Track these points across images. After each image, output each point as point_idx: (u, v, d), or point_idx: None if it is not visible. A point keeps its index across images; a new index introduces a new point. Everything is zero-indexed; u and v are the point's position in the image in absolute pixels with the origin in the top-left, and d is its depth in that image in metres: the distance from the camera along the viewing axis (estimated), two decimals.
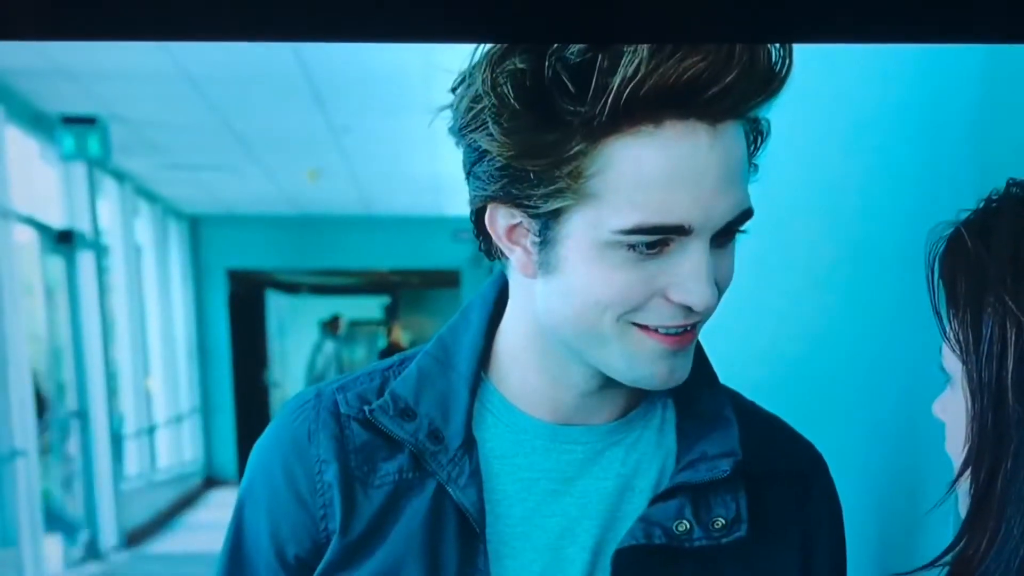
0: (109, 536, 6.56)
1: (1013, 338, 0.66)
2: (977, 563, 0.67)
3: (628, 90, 0.74)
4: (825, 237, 1.38)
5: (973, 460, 0.69)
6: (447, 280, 10.38)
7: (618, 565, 0.87)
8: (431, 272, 10.44)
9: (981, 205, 0.72)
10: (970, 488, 0.70)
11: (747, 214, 0.82)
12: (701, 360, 0.92)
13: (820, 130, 1.36)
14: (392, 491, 0.89)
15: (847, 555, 0.98)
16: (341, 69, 4.77)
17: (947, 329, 0.71)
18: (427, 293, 12.61)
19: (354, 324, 12.14)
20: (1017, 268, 0.67)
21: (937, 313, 0.71)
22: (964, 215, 0.72)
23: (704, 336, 0.88)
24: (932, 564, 0.72)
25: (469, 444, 0.88)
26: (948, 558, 0.71)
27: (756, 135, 0.84)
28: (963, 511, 0.72)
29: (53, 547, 5.89)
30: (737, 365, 1.04)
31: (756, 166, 0.85)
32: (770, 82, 0.78)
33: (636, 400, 0.92)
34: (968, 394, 0.69)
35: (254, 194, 8.21)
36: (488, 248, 0.87)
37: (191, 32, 0.47)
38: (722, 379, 0.94)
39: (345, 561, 0.89)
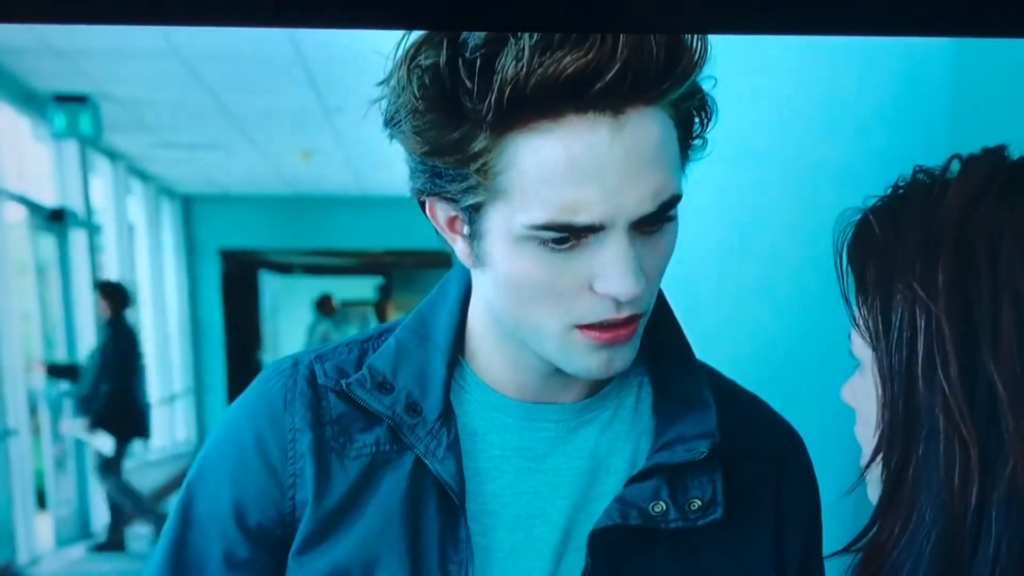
0: (101, 515, 6.57)
1: (923, 325, 0.65)
2: (890, 549, 0.67)
3: (510, 88, 0.73)
4: (801, 220, 1.39)
5: (885, 447, 0.68)
6: (440, 261, 10.38)
7: (593, 545, 0.86)
8: (424, 253, 10.43)
9: (888, 192, 0.71)
10: (882, 474, 0.69)
11: (671, 202, 0.79)
12: (679, 340, 0.92)
13: (797, 115, 1.36)
14: (369, 463, 0.89)
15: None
16: (333, 49, 4.75)
17: (856, 315, 0.70)
18: (420, 274, 12.60)
19: (346, 305, 12.14)
20: (925, 254, 0.66)
21: (846, 299, 0.71)
22: (871, 201, 0.71)
23: (680, 315, 0.87)
24: (845, 550, 0.72)
25: (447, 416, 0.88)
26: (861, 544, 0.70)
27: (697, 113, 0.81)
28: (873, 497, 0.71)
29: (45, 526, 5.91)
30: (714, 345, 1.05)
31: (705, 140, 0.83)
32: (672, 67, 0.76)
33: (607, 379, 0.91)
34: (879, 381, 0.69)
35: (247, 174, 8.19)
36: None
37: (186, 17, 0.47)
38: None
39: (321, 534, 0.88)
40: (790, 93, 1.32)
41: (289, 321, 11.59)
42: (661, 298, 0.91)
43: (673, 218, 0.81)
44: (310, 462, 0.89)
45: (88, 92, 5.60)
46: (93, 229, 6.70)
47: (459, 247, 0.85)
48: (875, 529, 0.69)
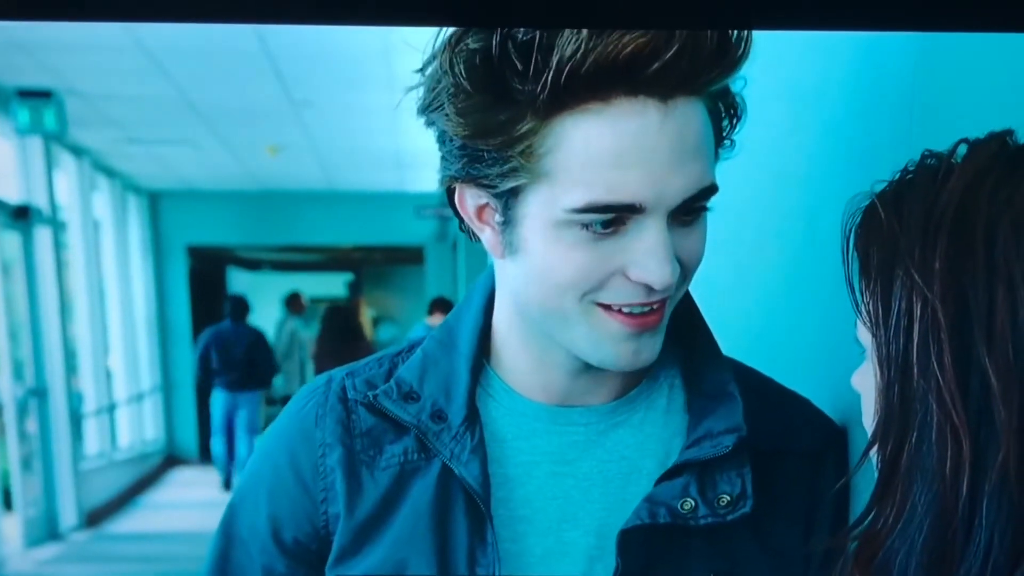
0: (69, 516, 6.51)
1: (919, 312, 0.64)
2: (884, 537, 0.66)
3: (568, 68, 0.74)
4: (770, 212, 1.40)
5: (880, 434, 0.68)
6: (411, 256, 10.35)
7: (624, 546, 0.86)
8: (394, 248, 10.40)
9: (897, 176, 0.70)
10: (877, 462, 0.68)
11: (708, 191, 0.81)
12: (706, 338, 0.93)
13: (762, 109, 1.37)
14: (398, 473, 0.90)
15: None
16: (300, 43, 4.72)
17: (859, 302, 0.69)
18: (391, 269, 12.57)
19: (315, 301, 12.09)
20: (924, 240, 0.65)
21: (850, 285, 0.70)
22: (881, 186, 0.70)
23: None
24: (841, 538, 0.71)
25: (471, 420, 0.89)
26: (857, 532, 0.70)
27: (728, 111, 0.83)
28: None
29: (12, 527, 5.84)
30: None
31: (733, 142, 0.84)
32: (721, 57, 0.78)
33: (635, 379, 0.91)
34: (877, 367, 0.68)
35: (214, 169, 8.12)
36: (468, 229, 0.87)
37: (158, 14, 0.47)
38: None
39: (355, 545, 0.90)
40: (754, 87, 1.33)
41: (258, 318, 11.52)
42: (688, 298, 0.91)
43: (707, 209, 0.82)
44: (341, 476, 0.90)
45: (52, 87, 5.53)
46: (58, 226, 6.62)
47: (487, 237, 0.85)
48: (871, 516, 0.69)
